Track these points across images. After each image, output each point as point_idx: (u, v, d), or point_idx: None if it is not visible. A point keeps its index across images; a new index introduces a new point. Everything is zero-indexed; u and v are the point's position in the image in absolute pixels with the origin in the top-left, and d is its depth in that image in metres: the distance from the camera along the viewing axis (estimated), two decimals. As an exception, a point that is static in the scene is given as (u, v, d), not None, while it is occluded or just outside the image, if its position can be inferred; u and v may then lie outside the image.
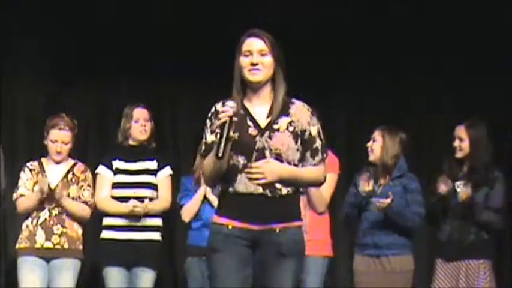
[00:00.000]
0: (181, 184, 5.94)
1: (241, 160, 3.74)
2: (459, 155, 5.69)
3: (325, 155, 3.88)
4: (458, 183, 5.60)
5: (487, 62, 6.77)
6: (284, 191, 3.76)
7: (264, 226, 3.74)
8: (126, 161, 5.89)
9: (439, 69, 6.91)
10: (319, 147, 3.85)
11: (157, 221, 5.87)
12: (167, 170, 5.91)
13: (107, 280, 5.80)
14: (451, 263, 5.59)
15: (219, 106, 3.82)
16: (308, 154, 3.83)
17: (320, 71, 6.84)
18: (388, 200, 5.46)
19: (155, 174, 5.88)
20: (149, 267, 5.78)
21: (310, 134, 3.83)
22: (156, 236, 5.86)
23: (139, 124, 5.90)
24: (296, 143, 3.80)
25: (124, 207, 5.75)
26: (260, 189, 3.72)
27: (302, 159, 3.82)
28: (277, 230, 3.74)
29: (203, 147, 3.83)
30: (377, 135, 5.70)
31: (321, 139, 3.86)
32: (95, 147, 6.74)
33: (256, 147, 3.75)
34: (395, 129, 5.71)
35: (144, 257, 5.76)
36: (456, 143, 5.69)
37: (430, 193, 5.71)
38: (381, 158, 5.65)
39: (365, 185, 5.57)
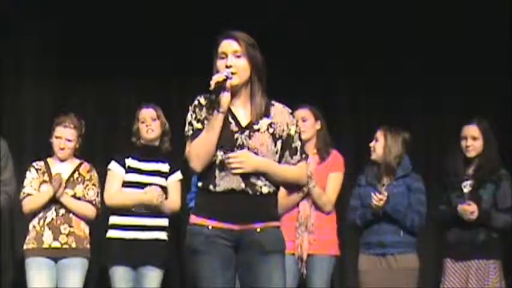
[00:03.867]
0: (192, 184, 5.92)
1: (220, 156, 3.72)
2: (472, 154, 5.67)
3: (304, 156, 3.84)
4: (464, 183, 5.63)
5: (483, 64, 6.81)
6: (265, 189, 3.74)
7: (245, 226, 3.72)
8: (139, 160, 5.91)
9: (443, 70, 6.95)
10: (298, 147, 3.83)
11: (164, 221, 5.89)
12: (177, 175, 5.93)
13: (113, 280, 5.80)
14: (461, 263, 5.60)
15: (201, 99, 3.81)
16: (287, 153, 3.81)
17: (326, 71, 6.88)
18: (383, 198, 5.49)
19: (166, 177, 5.90)
20: (156, 267, 5.80)
21: (288, 134, 3.81)
22: (162, 235, 5.88)
23: (144, 124, 5.93)
24: (275, 145, 3.79)
25: (135, 193, 5.77)
26: (242, 186, 3.70)
27: (281, 160, 3.81)
28: (258, 230, 3.73)
29: (191, 132, 3.77)
30: (379, 135, 5.71)
31: (300, 140, 3.84)
32: (102, 147, 6.77)
33: (237, 144, 3.73)
34: (398, 129, 5.73)
35: (151, 257, 5.78)
36: (469, 143, 5.66)
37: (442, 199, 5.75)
38: (383, 158, 5.67)
39: (378, 200, 5.55)
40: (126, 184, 5.88)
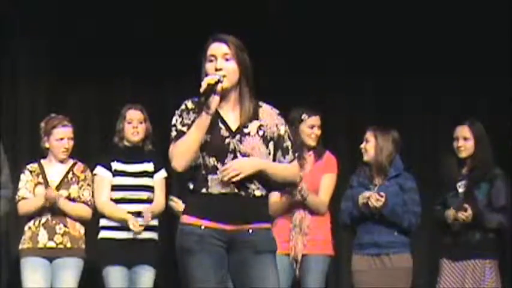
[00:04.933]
0: None
1: (212, 161, 3.72)
2: (463, 154, 5.67)
3: (296, 155, 3.87)
4: (459, 183, 5.62)
5: (483, 64, 6.79)
6: (257, 193, 3.75)
7: (237, 226, 3.72)
8: (124, 162, 5.91)
9: (441, 70, 6.93)
10: (289, 146, 3.84)
11: (153, 221, 5.88)
12: (162, 173, 5.92)
13: (108, 280, 5.81)
14: (458, 263, 5.59)
15: (189, 103, 3.80)
16: (279, 153, 3.82)
17: (326, 71, 6.87)
18: (380, 203, 5.50)
19: (152, 177, 5.91)
20: (149, 266, 5.82)
21: (279, 134, 3.82)
22: (153, 235, 5.90)
23: (131, 125, 5.92)
24: (267, 146, 3.79)
25: (124, 217, 5.79)
26: (235, 190, 3.70)
27: (274, 160, 3.81)
28: (250, 231, 3.74)
29: (175, 133, 3.76)
30: (369, 135, 5.70)
31: (290, 139, 3.86)
32: (97, 148, 6.76)
33: (229, 149, 3.73)
34: (386, 128, 5.72)
35: (144, 256, 5.80)
36: (460, 143, 5.67)
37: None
38: (375, 158, 5.66)
39: (376, 200, 5.54)
40: (115, 188, 5.88)
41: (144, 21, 6.80)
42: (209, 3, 6.70)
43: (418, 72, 6.93)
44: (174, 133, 3.78)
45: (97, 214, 5.91)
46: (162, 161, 5.87)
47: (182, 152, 3.70)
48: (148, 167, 5.92)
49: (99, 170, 5.92)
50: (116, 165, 5.91)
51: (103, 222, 5.88)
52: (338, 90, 7.08)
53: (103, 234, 5.87)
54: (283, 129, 3.84)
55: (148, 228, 5.84)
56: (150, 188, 5.90)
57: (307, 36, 6.88)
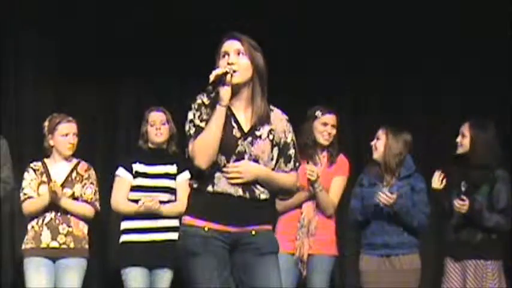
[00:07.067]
0: None
1: (222, 159, 3.73)
2: (459, 150, 5.68)
3: (297, 164, 3.88)
4: (462, 182, 5.60)
5: (483, 64, 6.81)
6: (262, 196, 3.77)
7: (241, 228, 3.74)
8: (146, 164, 5.92)
9: (451, 70, 6.95)
10: (293, 155, 3.86)
11: (175, 222, 5.85)
12: (186, 175, 5.84)
13: (127, 280, 5.79)
14: (459, 262, 5.59)
15: (204, 98, 3.79)
16: (281, 160, 3.84)
17: (326, 71, 6.87)
18: (393, 197, 5.50)
19: (174, 179, 5.91)
20: (169, 268, 5.82)
21: (285, 141, 3.84)
22: (174, 236, 5.88)
23: (154, 127, 5.94)
24: (272, 151, 3.81)
25: (137, 207, 5.79)
26: (240, 192, 3.72)
27: (275, 166, 3.83)
28: (253, 232, 3.76)
29: (194, 130, 3.74)
30: (381, 133, 5.72)
31: (294, 148, 3.87)
32: (103, 147, 6.79)
33: (236, 151, 3.74)
34: (399, 129, 5.73)
35: (165, 258, 5.76)
36: (458, 139, 5.69)
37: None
38: (383, 157, 5.68)
39: (387, 200, 5.54)
40: (135, 188, 5.88)
41: (147, 21, 6.81)
42: (210, 4, 6.71)
43: (421, 71, 6.95)
44: (192, 130, 3.75)
45: (117, 217, 5.91)
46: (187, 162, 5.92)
47: (204, 149, 3.69)
48: (171, 169, 5.92)
49: (120, 171, 5.92)
50: (138, 167, 5.92)
51: (124, 225, 5.88)
52: (342, 90, 7.09)
53: (125, 237, 5.87)
54: (290, 136, 3.86)
55: (169, 229, 5.83)
56: (171, 190, 5.89)
57: (307, 37, 6.89)
